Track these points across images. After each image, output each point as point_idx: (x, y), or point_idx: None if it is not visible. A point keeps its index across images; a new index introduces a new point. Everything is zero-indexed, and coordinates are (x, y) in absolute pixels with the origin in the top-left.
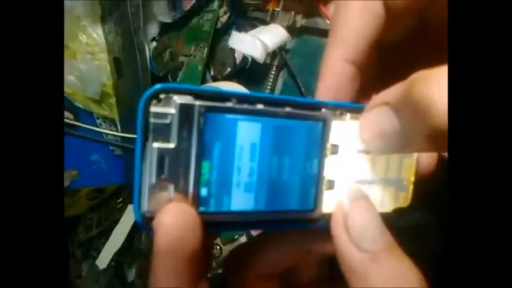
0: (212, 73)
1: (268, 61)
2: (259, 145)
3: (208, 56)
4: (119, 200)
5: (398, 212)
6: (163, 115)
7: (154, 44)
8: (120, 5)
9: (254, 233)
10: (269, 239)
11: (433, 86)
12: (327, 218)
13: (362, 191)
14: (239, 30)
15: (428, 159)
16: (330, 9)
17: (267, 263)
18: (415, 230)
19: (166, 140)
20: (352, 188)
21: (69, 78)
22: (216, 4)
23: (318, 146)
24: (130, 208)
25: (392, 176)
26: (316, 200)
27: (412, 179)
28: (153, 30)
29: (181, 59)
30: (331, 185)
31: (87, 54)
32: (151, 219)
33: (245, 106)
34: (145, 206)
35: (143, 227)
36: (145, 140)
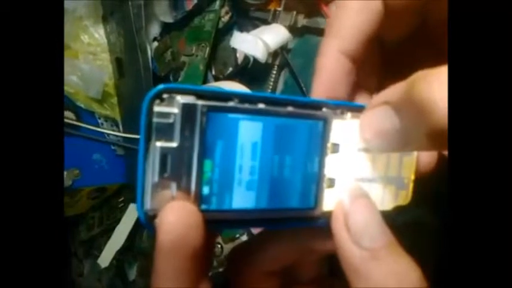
0: (214, 73)
1: (269, 61)
2: (260, 144)
3: (209, 56)
4: (120, 200)
5: (398, 210)
6: (166, 115)
7: (156, 44)
8: (122, 5)
9: (255, 231)
10: (270, 237)
11: (434, 85)
12: (328, 216)
13: (362, 189)
14: (241, 30)
15: (428, 157)
16: (331, 9)
17: (268, 261)
18: (415, 228)
19: (169, 139)
20: (352, 187)
21: (71, 78)
22: (217, 4)
23: (319, 145)
24: (131, 207)
25: (392, 174)
26: (317, 198)
27: (412, 177)
28: (155, 30)
29: (183, 58)
30: (331, 183)
31: (89, 54)
32: (154, 217)
33: (247, 106)
34: (148, 204)
35: (146, 225)
36: (148, 139)
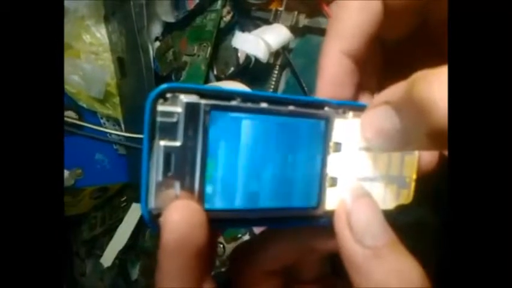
0: (215, 72)
1: (271, 61)
2: (263, 143)
3: (211, 56)
4: (122, 199)
5: (400, 209)
6: (170, 114)
7: (157, 43)
8: (123, 5)
9: (257, 231)
10: (272, 236)
11: (434, 85)
12: (330, 215)
13: (364, 189)
14: (242, 29)
15: (429, 156)
16: (332, 9)
17: (270, 260)
18: (417, 227)
19: (173, 138)
20: (354, 186)
21: (73, 78)
22: (219, 4)
23: (321, 144)
24: (134, 207)
25: (394, 174)
26: (319, 197)
27: (414, 176)
28: (157, 30)
29: (185, 58)
30: (334, 182)
31: (91, 54)
32: (158, 216)
33: (249, 105)
34: (152, 203)
35: (150, 224)
36: (152, 138)
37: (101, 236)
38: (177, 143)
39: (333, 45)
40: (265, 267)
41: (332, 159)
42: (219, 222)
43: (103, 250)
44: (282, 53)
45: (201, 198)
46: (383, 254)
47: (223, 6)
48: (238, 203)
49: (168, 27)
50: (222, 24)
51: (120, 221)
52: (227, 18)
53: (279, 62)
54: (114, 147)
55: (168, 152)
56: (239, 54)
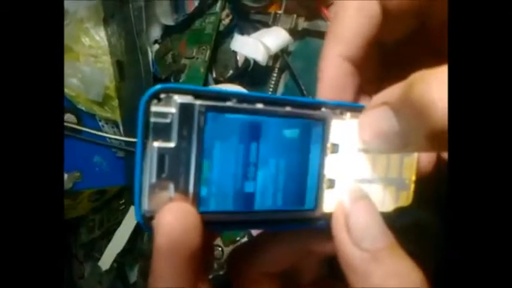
0: (214, 75)
1: (270, 63)
2: (259, 144)
3: (210, 59)
4: (121, 202)
5: (399, 212)
6: (164, 114)
7: (156, 46)
8: (122, 7)
9: (255, 233)
10: (270, 238)
11: (433, 86)
12: (328, 217)
13: (363, 191)
14: (241, 32)
15: (428, 158)
16: (331, 12)
17: (268, 263)
18: (416, 229)
19: (167, 139)
20: (352, 188)
21: (72, 80)
22: (218, 7)
23: (318, 145)
24: (132, 210)
25: (393, 175)
26: (317, 199)
27: (413, 178)
28: (156, 32)
29: (184, 61)
30: (331, 184)
31: (90, 56)
32: (151, 218)
33: (245, 106)
34: (145, 206)
35: (144, 226)
36: (145, 139)
37: (99, 239)
38: (171, 144)
39: (332, 48)
40: (263, 270)
41: (329, 160)
42: (214, 225)
43: (101, 253)
44: (281, 56)
45: (196, 200)
46: (381, 257)
47: (223, 9)
48: (234, 205)
49: (167, 30)
50: (221, 27)
51: (119, 223)
52: (226, 21)
53: (278, 65)
54: (113, 149)
55: (161, 154)
56: (238, 57)
